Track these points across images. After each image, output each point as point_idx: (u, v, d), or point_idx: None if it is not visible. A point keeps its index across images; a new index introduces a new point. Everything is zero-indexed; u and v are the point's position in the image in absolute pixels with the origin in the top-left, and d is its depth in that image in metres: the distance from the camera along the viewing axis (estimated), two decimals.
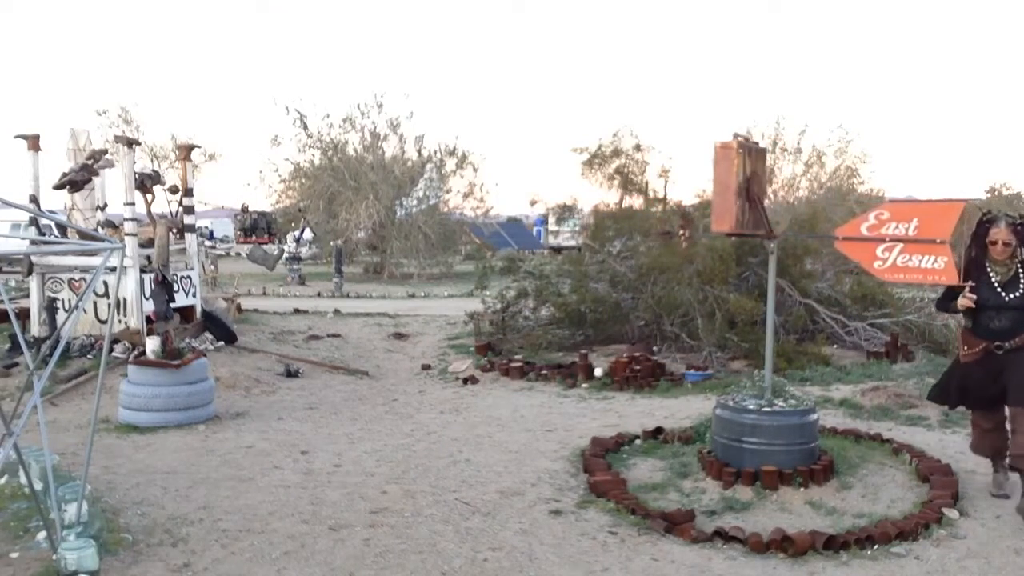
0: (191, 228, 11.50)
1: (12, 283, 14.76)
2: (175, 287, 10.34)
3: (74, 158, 10.94)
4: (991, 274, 5.10)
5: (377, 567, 4.23)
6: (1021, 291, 5.03)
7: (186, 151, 11.90)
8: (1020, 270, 5.09)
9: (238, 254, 28.00)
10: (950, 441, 6.72)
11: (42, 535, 4.27)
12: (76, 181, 10.42)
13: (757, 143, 5.71)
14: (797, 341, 10.65)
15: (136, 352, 8.69)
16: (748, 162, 5.24)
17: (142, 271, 9.79)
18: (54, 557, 3.99)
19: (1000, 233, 5.05)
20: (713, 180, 5.25)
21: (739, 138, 5.19)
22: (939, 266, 5.03)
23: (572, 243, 33.65)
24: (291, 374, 9.95)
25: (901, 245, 5.11)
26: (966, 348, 5.19)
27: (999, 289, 5.06)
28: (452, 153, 27.92)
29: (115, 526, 4.60)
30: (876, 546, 4.53)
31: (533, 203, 37.04)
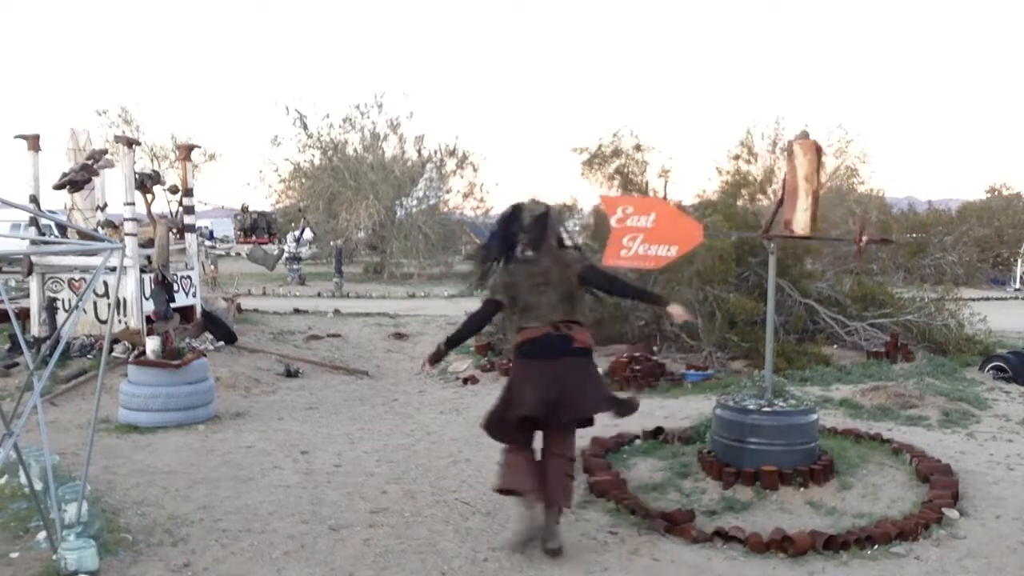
0: (191, 228, 11.50)
1: (12, 283, 14.76)
2: (175, 287, 10.34)
3: (74, 158, 10.94)
4: None
5: (377, 567, 4.23)
6: None
7: (186, 151, 11.90)
8: None
9: (238, 254, 27.98)
10: (950, 441, 6.73)
11: (42, 535, 4.26)
12: (76, 181, 10.42)
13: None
14: (797, 341, 10.65)
15: (136, 352, 8.69)
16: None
17: (142, 271, 9.78)
18: (54, 557, 3.98)
19: None
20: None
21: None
22: (671, 254, 5.52)
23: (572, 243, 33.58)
24: (291, 374, 9.95)
25: (642, 236, 5.48)
26: None
27: None
28: (452, 153, 27.96)
29: (115, 526, 4.60)
30: (876, 546, 4.53)
31: None
